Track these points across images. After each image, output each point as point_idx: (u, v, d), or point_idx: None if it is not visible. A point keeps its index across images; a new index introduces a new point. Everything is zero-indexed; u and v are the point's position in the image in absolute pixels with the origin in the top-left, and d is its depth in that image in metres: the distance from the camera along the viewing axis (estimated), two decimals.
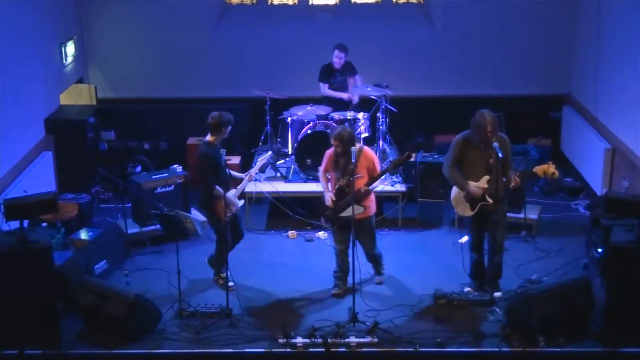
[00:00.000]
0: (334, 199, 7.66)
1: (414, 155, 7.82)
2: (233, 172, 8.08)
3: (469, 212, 7.55)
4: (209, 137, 7.70)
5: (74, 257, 7.91)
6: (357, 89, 10.32)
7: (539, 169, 7.30)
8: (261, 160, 8.26)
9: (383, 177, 8.09)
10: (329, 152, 7.82)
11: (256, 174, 9.65)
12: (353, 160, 7.44)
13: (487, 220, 7.52)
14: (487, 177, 7.38)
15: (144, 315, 7.15)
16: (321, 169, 7.92)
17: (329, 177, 7.85)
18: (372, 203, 7.76)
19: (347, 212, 7.50)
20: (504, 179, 7.32)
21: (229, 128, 7.71)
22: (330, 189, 7.79)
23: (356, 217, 7.44)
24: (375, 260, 8.03)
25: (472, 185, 7.41)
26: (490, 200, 7.38)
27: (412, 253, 8.78)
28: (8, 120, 8.73)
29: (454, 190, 7.64)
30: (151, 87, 11.65)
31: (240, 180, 7.98)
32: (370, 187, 7.57)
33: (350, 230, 7.58)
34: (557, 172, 7.29)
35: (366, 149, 7.88)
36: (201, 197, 7.81)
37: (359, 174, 7.53)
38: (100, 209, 9.99)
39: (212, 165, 7.59)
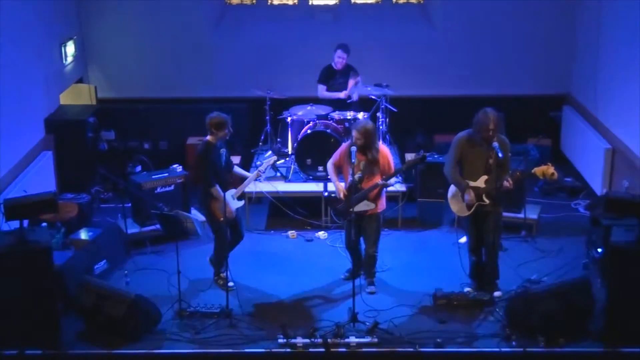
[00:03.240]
0: (346, 193, 7.68)
1: (426, 157, 7.94)
2: (239, 170, 8.10)
3: (465, 212, 7.56)
4: (208, 137, 7.72)
5: (74, 257, 7.90)
6: (356, 88, 10.32)
7: (538, 170, 7.31)
8: (267, 162, 8.24)
9: (397, 174, 8.16)
10: (344, 146, 7.85)
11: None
12: (353, 160, 7.46)
13: (484, 221, 7.53)
14: (485, 177, 7.39)
15: (144, 315, 7.15)
16: (331, 161, 7.90)
17: (345, 174, 7.87)
18: (382, 200, 7.78)
19: (358, 207, 7.54)
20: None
21: (228, 130, 7.70)
22: (340, 182, 7.83)
23: (367, 212, 7.56)
24: (371, 262, 7.94)
25: (470, 190, 7.40)
26: (487, 201, 7.39)
27: (412, 253, 8.77)
28: (8, 120, 8.73)
29: (451, 189, 7.65)
30: (151, 87, 11.65)
31: (244, 178, 7.98)
32: (388, 182, 7.62)
33: (359, 226, 7.67)
34: (556, 173, 7.30)
35: (381, 145, 7.90)
36: (200, 196, 7.82)
37: (360, 174, 7.54)
38: (100, 209, 9.99)
39: (206, 164, 7.61)
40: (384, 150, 7.82)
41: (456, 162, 7.52)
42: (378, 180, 7.59)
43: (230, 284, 7.72)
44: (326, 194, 9.26)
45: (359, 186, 7.56)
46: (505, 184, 7.27)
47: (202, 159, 7.64)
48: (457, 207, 7.63)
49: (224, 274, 7.78)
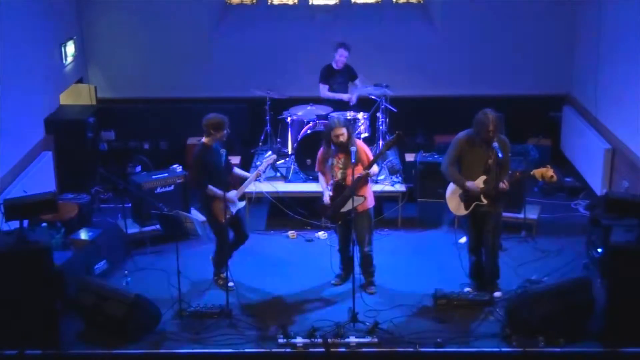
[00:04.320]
0: (331, 194, 7.64)
1: (402, 135, 7.69)
2: (239, 171, 8.08)
3: (463, 211, 7.55)
4: (204, 139, 7.72)
5: (74, 257, 7.90)
6: (356, 89, 10.33)
7: (537, 172, 7.30)
8: (267, 161, 8.23)
9: (378, 160, 8.12)
10: (321, 151, 7.81)
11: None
12: (353, 161, 7.42)
13: (483, 222, 7.52)
14: (484, 177, 7.38)
15: (144, 315, 7.15)
16: (317, 169, 7.94)
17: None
18: (370, 195, 7.74)
19: (348, 206, 7.48)
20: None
21: (225, 131, 7.69)
22: (328, 187, 7.79)
23: (357, 210, 7.48)
24: (368, 261, 7.87)
25: (469, 181, 7.40)
26: (485, 201, 7.38)
27: (412, 253, 8.77)
28: (8, 120, 8.73)
29: (449, 188, 7.64)
30: (151, 87, 11.65)
31: (245, 178, 7.97)
32: (370, 172, 7.55)
33: (352, 228, 7.61)
34: (555, 176, 7.28)
35: (358, 141, 7.83)
36: (201, 198, 7.82)
37: (359, 175, 7.51)
38: (100, 209, 9.99)
39: (204, 166, 7.60)
40: (360, 142, 7.82)
41: (454, 161, 7.51)
42: (359, 170, 7.52)
43: (230, 284, 7.72)
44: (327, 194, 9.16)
45: (344, 184, 7.53)
46: (501, 185, 7.26)
47: (198, 162, 7.63)
48: (454, 206, 7.62)
49: (224, 274, 7.77)
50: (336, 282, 8.02)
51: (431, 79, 11.59)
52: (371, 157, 7.69)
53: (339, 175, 7.61)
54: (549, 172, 7.26)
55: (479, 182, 7.39)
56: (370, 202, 7.75)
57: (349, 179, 7.52)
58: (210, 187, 7.58)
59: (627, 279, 6.84)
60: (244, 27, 11.68)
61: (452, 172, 7.51)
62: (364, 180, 7.57)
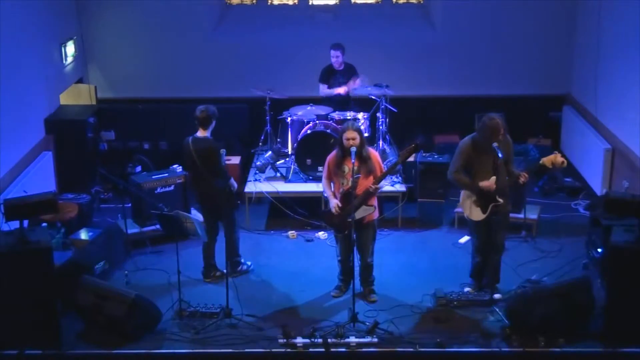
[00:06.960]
0: (340, 205, 7.48)
1: (419, 145, 7.53)
2: None
3: (481, 216, 7.43)
4: (202, 132, 7.80)
5: (74, 257, 7.91)
6: (356, 90, 10.33)
7: (546, 160, 7.26)
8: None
9: (392, 172, 8.02)
10: (330, 157, 7.65)
11: (255, 173, 9.68)
12: (353, 161, 7.37)
13: (491, 220, 7.45)
14: (494, 178, 7.30)
15: (144, 315, 7.15)
16: (324, 176, 7.74)
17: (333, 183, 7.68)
18: (376, 205, 7.62)
19: (358, 214, 7.34)
20: (507, 177, 7.29)
21: (214, 121, 7.88)
22: (335, 195, 7.59)
23: (364, 221, 7.41)
24: (369, 271, 7.75)
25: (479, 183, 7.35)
26: (501, 200, 7.29)
27: (412, 253, 8.77)
28: (8, 120, 8.73)
29: (463, 195, 7.55)
30: (151, 87, 11.66)
31: None
32: (379, 185, 7.46)
33: (353, 236, 7.46)
34: (565, 161, 7.25)
35: (371, 150, 7.70)
36: (211, 191, 7.82)
37: (358, 174, 7.41)
38: (100, 209, 9.99)
39: (220, 158, 7.72)
40: (374, 151, 7.73)
41: (460, 169, 7.40)
42: (366, 183, 7.39)
43: (249, 262, 8.15)
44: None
45: (353, 192, 7.34)
46: (522, 179, 7.23)
47: (217, 153, 7.71)
48: (471, 212, 7.47)
49: (219, 273, 7.96)
50: (336, 294, 7.84)
51: (431, 79, 11.60)
52: (383, 167, 7.60)
53: (349, 183, 7.38)
54: (557, 157, 7.22)
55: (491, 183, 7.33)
56: (376, 213, 7.65)
57: (361, 188, 7.39)
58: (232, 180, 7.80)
59: (627, 279, 6.84)
60: (244, 27, 11.68)
61: (459, 177, 7.42)
62: (373, 192, 7.42)
